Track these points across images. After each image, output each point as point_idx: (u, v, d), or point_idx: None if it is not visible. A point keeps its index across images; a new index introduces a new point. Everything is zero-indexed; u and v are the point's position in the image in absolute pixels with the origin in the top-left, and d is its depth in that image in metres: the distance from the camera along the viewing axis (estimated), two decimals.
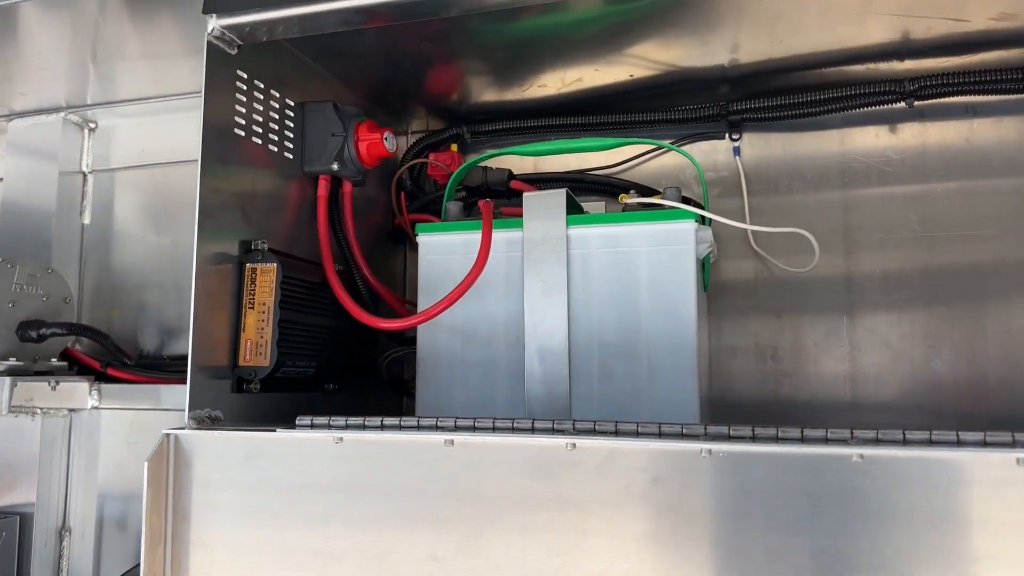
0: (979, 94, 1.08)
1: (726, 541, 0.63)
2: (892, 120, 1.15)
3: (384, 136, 1.05)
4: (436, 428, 0.70)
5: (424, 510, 0.70)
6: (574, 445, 0.66)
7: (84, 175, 1.50)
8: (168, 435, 0.78)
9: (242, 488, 0.76)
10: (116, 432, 1.38)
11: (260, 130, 0.98)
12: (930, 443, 0.59)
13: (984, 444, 0.58)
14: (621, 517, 0.65)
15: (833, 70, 1.09)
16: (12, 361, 1.24)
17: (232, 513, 0.76)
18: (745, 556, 0.62)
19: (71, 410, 1.38)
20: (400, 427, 0.71)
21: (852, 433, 0.61)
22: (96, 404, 1.28)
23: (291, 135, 1.04)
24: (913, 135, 1.15)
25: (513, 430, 0.68)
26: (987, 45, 1.02)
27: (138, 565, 1.34)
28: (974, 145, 1.12)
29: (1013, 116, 1.10)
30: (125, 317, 1.45)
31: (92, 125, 1.50)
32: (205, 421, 0.83)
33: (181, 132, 1.44)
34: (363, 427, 0.72)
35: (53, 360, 1.32)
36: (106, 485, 1.37)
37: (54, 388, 1.26)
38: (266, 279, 0.90)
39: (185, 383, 1.22)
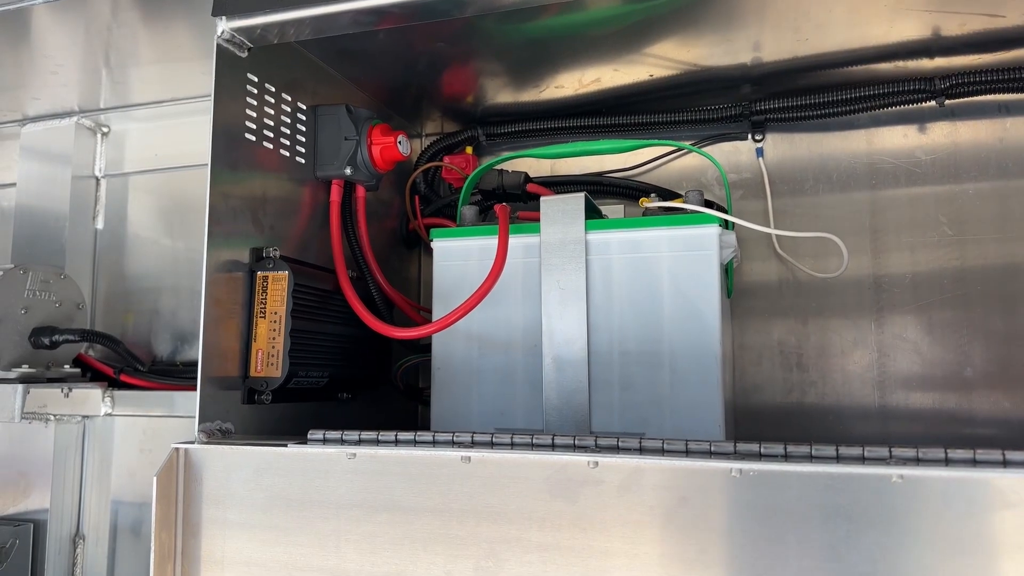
0: (1013, 92, 1.04)
1: (757, 565, 0.60)
2: (922, 119, 1.12)
3: (398, 139, 1.03)
4: (452, 444, 0.68)
5: (440, 529, 0.67)
6: (596, 463, 0.63)
7: (97, 179, 1.50)
8: (177, 449, 0.76)
9: (253, 504, 0.74)
10: (130, 439, 1.37)
11: (271, 134, 0.96)
12: (974, 463, 0.56)
13: None
14: (646, 538, 0.62)
15: (860, 68, 1.06)
16: (25, 368, 1.24)
17: (243, 530, 0.74)
18: None
19: (84, 417, 1.37)
20: (415, 443, 0.69)
21: (891, 452, 0.58)
22: (109, 411, 1.28)
23: (303, 139, 1.02)
24: (944, 134, 1.11)
25: (532, 446, 0.66)
26: (1023, 42, 0.99)
27: None
28: (1008, 145, 1.08)
29: None
30: (139, 322, 1.44)
31: (105, 129, 1.49)
32: (215, 434, 0.81)
33: (194, 136, 1.44)
34: (377, 442, 0.70)
35: (66, 367, 1.32)
36: (120, 492, 1.36)
37: (67, 395, 1.26)
38: (278, 287, 0.88)
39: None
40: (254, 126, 0.93)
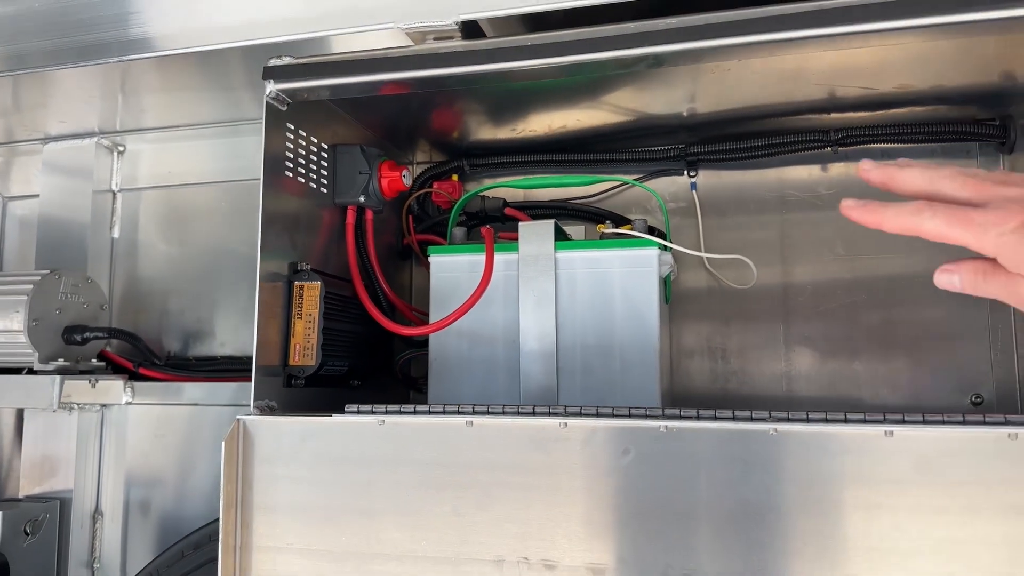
0: (891, 143, 1.26)
1: (679, 496, 0.82)
2: (822, 160, 1.32)
3: (403, 174, 1.23)
4: (458, 412, 0.89)
5: (449, 476, 0.88)
6: (565, 424, 0.85)
7: (114, 193, 1.62)
8: (239, 420, 0.96)
9: (300, 462, 0.93)
10: (144, 425, 1.50)
11: (303, 169, 1.14)
12: (825, 421, 0.80)
13: (863, 422, 0.79)
14: (600, 478, 0.84)
15: (773, 120, 1.26)
16: (60, 361, 1.37)
17: (290, 482, 0.93)
18: (693, 506, 0.82)
19: (103, 405, 1.49)
20: (430, 412, 0.90)
21: (770, 414, 0.82)
22: (129, 400, 1.42)
23: (325, 172, 1.21)
24: (839, 173, 1.32)
25: (519, 413, 0.88)
26: (896, 104, 1.21)
27: (172, 545, 1.46)
28: None
29: (919, 159, 1.29)
30: (150, 321, 1.57)
31: (121, 148, 1.62)
32: (266, 409, 1.01)
33: (197, 157, 1.57)
34: (400, 412, 0.91)
35: (93, 360, 1.45)
36: (133, 473, 1.50)
37: (93, 385, 1.40)
38: (312, 294, 1.08)
39: (214, 381, 1.40)
40: (290, 164, 1.12)
